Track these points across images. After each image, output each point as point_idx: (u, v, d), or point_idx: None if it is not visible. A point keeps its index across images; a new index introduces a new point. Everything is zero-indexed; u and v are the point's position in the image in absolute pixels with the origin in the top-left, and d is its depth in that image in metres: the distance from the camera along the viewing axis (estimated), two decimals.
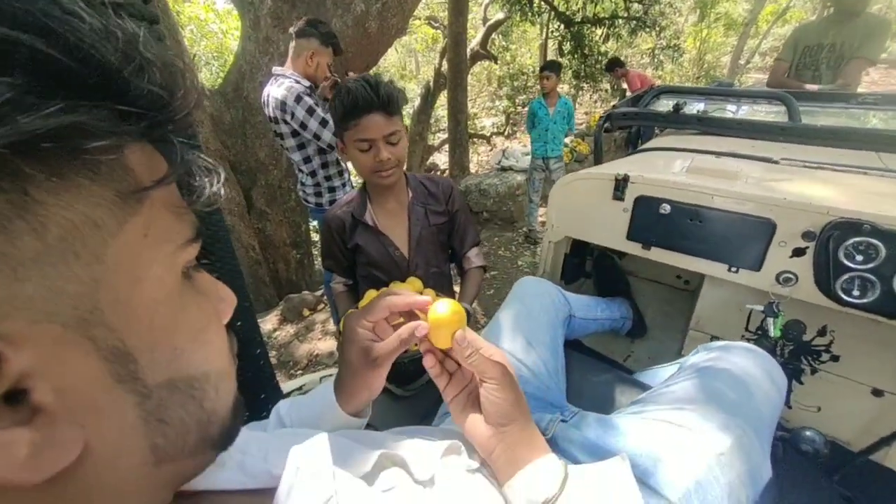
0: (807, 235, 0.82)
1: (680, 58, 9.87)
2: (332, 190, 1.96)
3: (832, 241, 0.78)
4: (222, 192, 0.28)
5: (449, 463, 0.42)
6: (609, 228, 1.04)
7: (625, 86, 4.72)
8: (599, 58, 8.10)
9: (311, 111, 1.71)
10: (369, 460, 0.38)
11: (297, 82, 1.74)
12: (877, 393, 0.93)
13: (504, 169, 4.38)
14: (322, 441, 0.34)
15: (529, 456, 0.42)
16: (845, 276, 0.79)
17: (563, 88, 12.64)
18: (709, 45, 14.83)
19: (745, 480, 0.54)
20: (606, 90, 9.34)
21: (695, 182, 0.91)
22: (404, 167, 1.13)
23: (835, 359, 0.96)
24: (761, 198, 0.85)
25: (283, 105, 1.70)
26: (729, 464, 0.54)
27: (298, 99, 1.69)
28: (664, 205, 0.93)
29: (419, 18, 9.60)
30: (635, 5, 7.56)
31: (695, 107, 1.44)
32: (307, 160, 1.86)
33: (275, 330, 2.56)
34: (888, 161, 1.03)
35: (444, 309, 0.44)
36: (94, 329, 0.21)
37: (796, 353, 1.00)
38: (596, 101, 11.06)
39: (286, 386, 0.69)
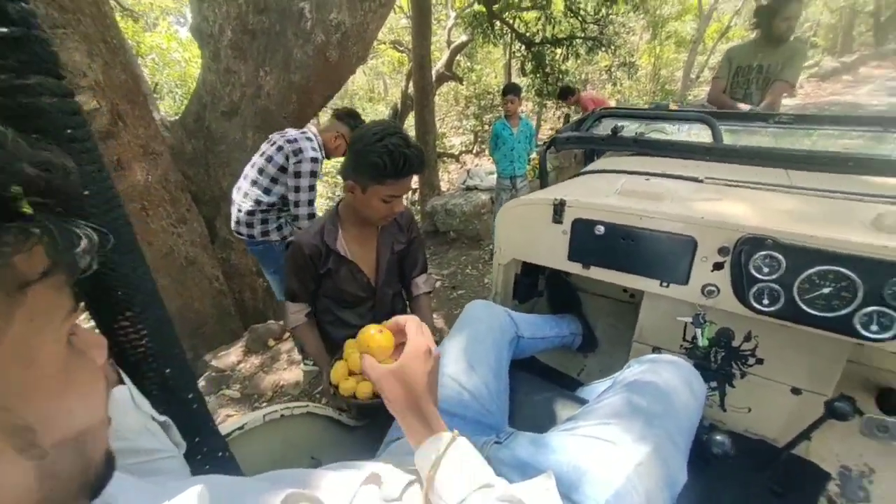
0: (722, 251, 0.89)
1: (635, 74, 10.40)
2: (279, 228, 2.00)
3: (743, 255, 0.86)
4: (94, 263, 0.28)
5: (366, 492, 0.44)
6: (551, 250, 1.09)
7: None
8: (560, 76, 8.47)
9: (312, 185, 1.80)
10: (272, 502, 0.39)
11: (321, 149, 1.84)
12: (795, 391, 1.00)
13: (469, 189, 4.48)
14: (191, 495, 0.33)
15: (423, 437, 0.52)
16: (756, 287, 0.86)
17: (528, 106, 13.07)
18: (662, 62, 15.69)
19: (663, 486, 0.58)
20: (570, 106, 9.74)
21: (625, 204, 0.98)
22: None
23: (760, 362, 1.03)
24: (683, 217, 0.92)
25: (299, 152, 1.76)
26: (647, 472, 0.58)
27: (315, 161, 1.77)
28: (599, 226, 0.99)
29: (384, 42, 9.80)
30: (591, 26, 7.97)
31: (634, 128, 1.53)
32: (267, 192, 1.87)
33: (239, 362, 2.50)
34: (794, 177, 1.13)
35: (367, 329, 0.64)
36: None
37: (728, 358, 1.07)
38: (559, 118, 11.47)
39: (224, 427, 0.69)
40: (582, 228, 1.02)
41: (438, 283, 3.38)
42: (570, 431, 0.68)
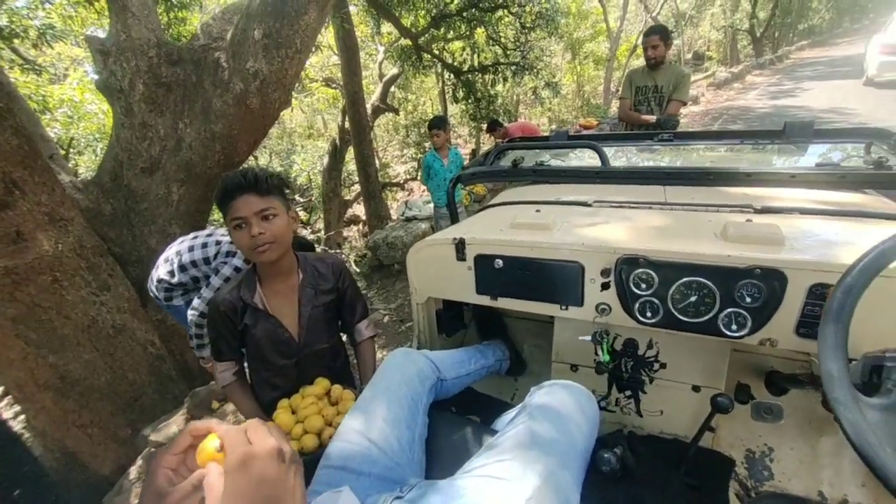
0: (605, 272, 0.98)
1: (560, 93, 11.13)
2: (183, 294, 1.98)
3: (623, 274, 0.95)
4: None
5: None
6: (460, 285, 1.15)
7: None
8: (491, 99, 8.90)
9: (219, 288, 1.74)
10: None
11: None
12: (695, 389, 1.10)
13: (409, 219, 4.55)
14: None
15: None
16: (639, 302, 0.95)
17: (465, 130, 13.54)
18: (585, 79, 16.93)
19: None
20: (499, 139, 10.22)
21: (517, 238, 1.06)
22: (285, 247, 1.17)
23: (663, 366, 1.13)
24: (569, 244, 1.01)
25: (231, 256, 1.73)
26: None
27: (237, 271, 1.69)
28: (497, 260, 1.06)
29: (317, 81, 9.85)
30: (513, 52, 8.50)
31: (536, 157, 1.66)
32: (182, 270, 1.85)
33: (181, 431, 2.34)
34: (669, 193, 1.28)
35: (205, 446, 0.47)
36: None
37: (636, 367, 1.16)
38: (497, 140, 11.96)
39: None
40: (483, 263, 1.08)
41: (387, 318, 3.37)
42: (470, 473, 0.71)
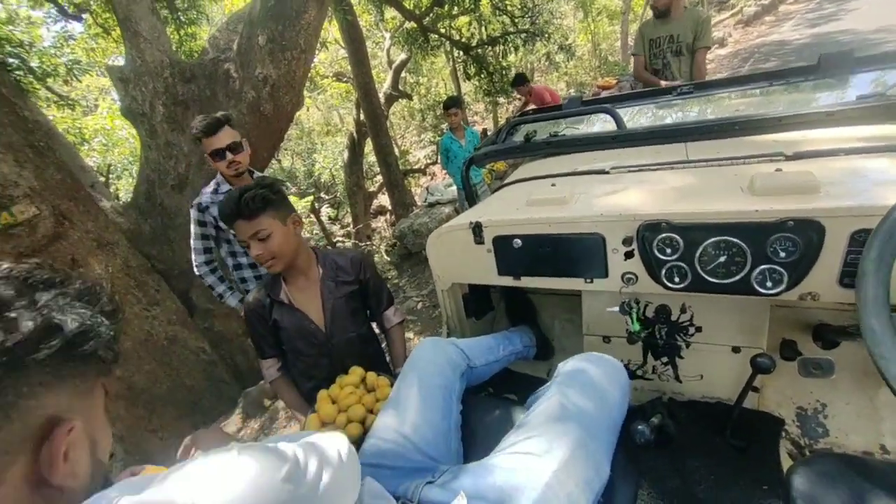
0: (627, 241, 0.94)
1: (573, 56, 10.63)
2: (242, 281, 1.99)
3: (645, 241, 0.91)
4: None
5: None
6: (482, 268, 1.14)
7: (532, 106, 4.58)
8: (504, 72, 8.64)
9: (197, 235, 1.78)
10: None
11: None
12: (735, 350, 1.06)
13: (431, 205, 4.54)
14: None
15: None
16: (665, 268, 0.91)
17: (481, 106, 13.25)
18: (600, 37, 16.08)
19: (584, 485, 0.64)
20: (521, 99, 9.91)
21: (533, 215, 1.03)
22: (289, 257, 1.22)
23: (699, 330, 1.09)
24: (587, 216, 0.98)
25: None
26: (565, 477, 0.63)
27: (198, 209, 1.75)
28: (516, 240, 1.05)
29: (327, 77, 9.88)
30: (522, 19, 8.17)
31: (550, 130, 1.60)
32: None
33: (239, 430, 2.50)
34: (691, 150, 1.20)
35: None
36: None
37: (671, 332, 1.12)
38: (514, 112, 11.66)
39: None
40: (502, 244, 1.07)
41: (420, 305, 3.42)
42: (503, 451, 0.72)
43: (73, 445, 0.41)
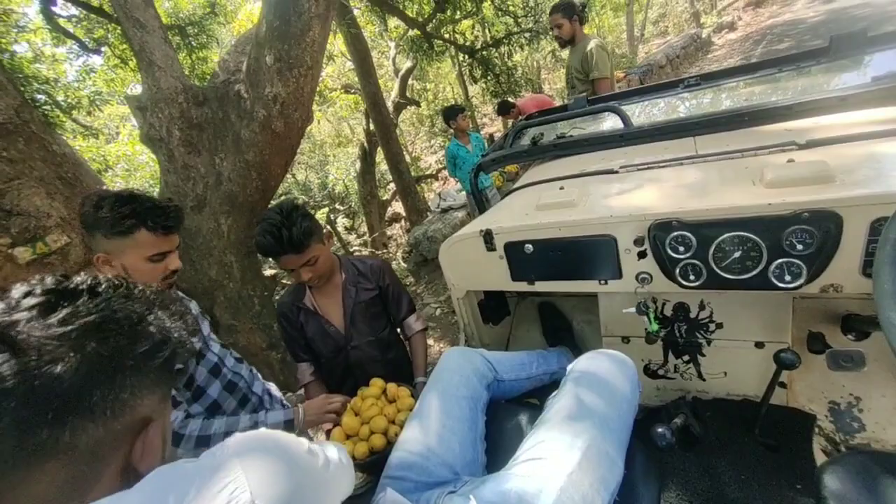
0: (638, 241, 0.93)
1: None
2: None
3: (657, 240, 0.90)
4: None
5: None
6: (496, 275, 1.14)
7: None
8: (510, 72, 8.63)
9: None
10: None
11: None
12: (759, 345, 1.03)
13: (444, 211, 4.56)
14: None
15: None
16: (679, 266, 0.90)
17: (489, 108, 13.22)
18: (606, 30, 15.89)
19: (598, 485, 0.64)
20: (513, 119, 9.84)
21: (542, 220, 1.03)
22: (329, 271, 1.31)
23: (720, 326, 1.06)
24: (597, 218, 0.97)
25: None
26: (579, 479, 0.64)
27: None
28: (527, 245, 1.05)
29: (335, 89, 10.04)
30: (525, 19, 8.16)
31: (556, 131, 1.59)
32: None
33: None
34: (700, 144, 1.18)
35: None
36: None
37: (691, 330, 1.10)
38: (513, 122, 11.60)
39: None
40: (514, 250, 1.07)
41: (438, 311, 3.43)
42: (518, 458, 0.73)
43: (157, 440, 0.48)
